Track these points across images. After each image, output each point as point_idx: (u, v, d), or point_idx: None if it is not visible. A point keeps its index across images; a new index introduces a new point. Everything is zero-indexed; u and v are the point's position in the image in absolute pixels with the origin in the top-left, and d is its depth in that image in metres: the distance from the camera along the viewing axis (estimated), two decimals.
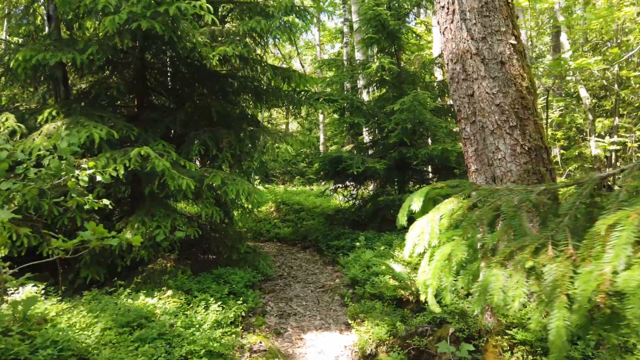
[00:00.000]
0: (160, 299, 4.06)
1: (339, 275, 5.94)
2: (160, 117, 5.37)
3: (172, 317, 3.67)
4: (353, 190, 9.25)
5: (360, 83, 9.39)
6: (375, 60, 7.20)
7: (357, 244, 6.22)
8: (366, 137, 11.98)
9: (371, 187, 9.78)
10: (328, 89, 8.39)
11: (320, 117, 20.29)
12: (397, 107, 6.54)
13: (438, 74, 9.86)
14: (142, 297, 4.01)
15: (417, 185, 8.29)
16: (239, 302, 4.30)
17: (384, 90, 8.65)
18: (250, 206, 6.11)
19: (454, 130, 7.80)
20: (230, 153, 5.31)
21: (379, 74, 7.76)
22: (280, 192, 11.25)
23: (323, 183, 19.32)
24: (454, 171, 7.39)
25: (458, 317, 3.59)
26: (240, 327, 4.06)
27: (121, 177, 3.86)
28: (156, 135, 5.14)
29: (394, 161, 7.21)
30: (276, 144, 5.30)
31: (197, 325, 3.56)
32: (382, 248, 5.97)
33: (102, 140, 4.11)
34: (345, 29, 13.27)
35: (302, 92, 6.50)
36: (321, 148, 19.27)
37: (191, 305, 4.05)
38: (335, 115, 10.25)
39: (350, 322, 4.40)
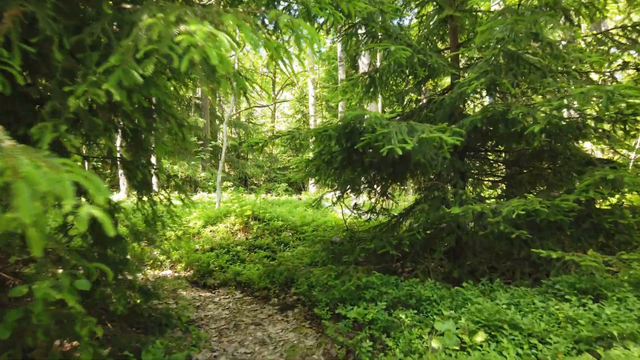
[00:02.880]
0: None
1: None
2: None
3: None
4: (368, 197, 5.52)
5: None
6: None
7: (433, 321, 2.45)
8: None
9: (376, 191, 6.01)
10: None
11: (311, 94, 16.63)
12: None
13: None
14: None
15: (495, 189, 4.58)
16: None
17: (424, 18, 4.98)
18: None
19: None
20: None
21: None
22: (251, 202, 7.38)
23: (313, 187, 15.47)
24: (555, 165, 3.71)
25: None
26: None
27: None
28: None
29: (471, 133, 3.51)
30: (181, 28, 1.57)
31: None
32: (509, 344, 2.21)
33: None
34: None
35: None
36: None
37: None
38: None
39: None
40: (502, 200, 4.07)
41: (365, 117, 3.28)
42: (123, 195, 12.25)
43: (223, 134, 9.73)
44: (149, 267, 5.07)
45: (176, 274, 5.02)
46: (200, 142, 14.56)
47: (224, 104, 29.05)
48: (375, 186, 4.85)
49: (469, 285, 3.12)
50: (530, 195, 3.56)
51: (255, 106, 28.66)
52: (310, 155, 4.83)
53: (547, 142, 4.03)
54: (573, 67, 3.49)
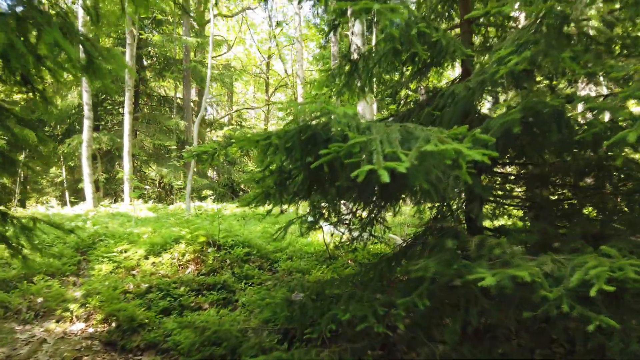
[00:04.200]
0: None
1: None
2: None
3: None
4: (351, 217, 4.27)
5: None
6: None
7: None
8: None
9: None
10: None
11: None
12: None
13: None
14: None
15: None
16: None
17: None
18: None
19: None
20: None
21: None
22: (209, 219, 6.05)
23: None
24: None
25: None
26: None
27: None
28: None
29: (499, 140, 2.22)
30: None
31: None
32: None
33: None
34: None
35: None
36: None
37: None
38: None
39: None
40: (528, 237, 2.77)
41: (332, 115, 2.00)
42: (89, 206, 10.93)
43: (194, 137, 8.44)
44: (54, 321, 3.76)
45: (90, 330, 3.70)
46: (174, 147, 13.25)
47: (216, 105, 27.75)
48: (358, 213, 3.56)
49: None
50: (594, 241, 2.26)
51: (246, 108, 27.40)
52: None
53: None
54: None
